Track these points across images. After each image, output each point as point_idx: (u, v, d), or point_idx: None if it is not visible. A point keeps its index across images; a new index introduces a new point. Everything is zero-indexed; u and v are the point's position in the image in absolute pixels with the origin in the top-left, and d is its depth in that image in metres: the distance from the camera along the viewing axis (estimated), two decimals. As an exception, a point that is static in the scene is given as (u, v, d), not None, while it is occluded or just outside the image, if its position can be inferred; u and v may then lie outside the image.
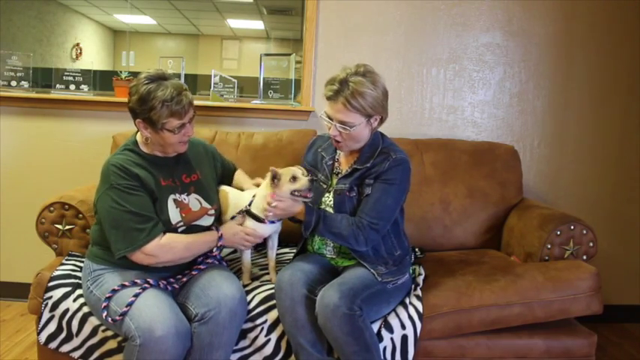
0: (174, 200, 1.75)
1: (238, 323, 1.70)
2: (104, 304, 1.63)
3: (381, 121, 1.82)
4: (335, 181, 1.88)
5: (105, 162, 1.71)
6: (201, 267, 1.78)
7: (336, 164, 1.92)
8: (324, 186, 1.89)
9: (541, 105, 2.80)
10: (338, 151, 1.92)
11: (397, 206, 1.80)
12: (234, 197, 1.93)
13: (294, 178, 1.76)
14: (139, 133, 1.78)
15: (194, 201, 1.80)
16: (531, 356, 1.87)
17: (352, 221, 1.75)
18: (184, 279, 1.76)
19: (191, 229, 1.78)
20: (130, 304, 1.59)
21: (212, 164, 1.98)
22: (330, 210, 1.85)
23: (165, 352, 1.53)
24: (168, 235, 1.68)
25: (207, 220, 1.83)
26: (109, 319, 1.61)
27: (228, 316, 1.64)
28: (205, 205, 1.83)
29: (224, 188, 1.98)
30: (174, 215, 1.73)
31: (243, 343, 1.76)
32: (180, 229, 1.75)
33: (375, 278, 1.76)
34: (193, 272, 1.77)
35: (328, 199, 1.87)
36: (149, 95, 1.63)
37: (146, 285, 1.65)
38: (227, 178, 2.08)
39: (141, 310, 1.57)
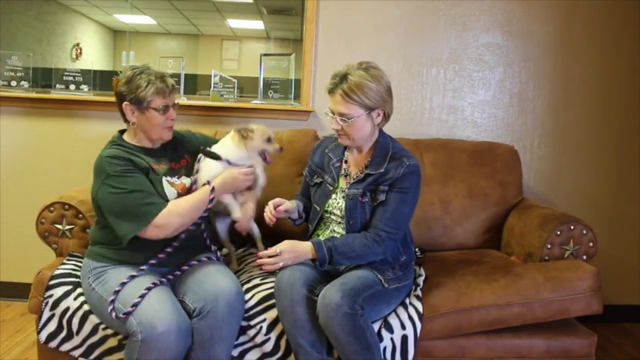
0: (168, 181, 1.80)
1: (237, 316, 1.70)
2: (112, 297, 1.64)
3: (385, 117, 1.81)
4: (342, 182, 1.89)
5: (96, 159, 1.75)
6: (203, 259, 1.82)
7: (344, 166, 1.91)
8: (331, 188, 1.89)
9: (541, 105, 2.80)
10: (346, 153, 1.92)
11: (412, 213, 1.82)
12: (205, 164, 1.92)
13: (269, 140, 1.89)
14: (125, 132, 1.86)
15: (186, 180, 1.87)
16: (531, 356, 1.87)
17: (367, 237, 1.75)
18: (178, 272, 1.78)
19: None
20: (135, 305, 1.59)
21: (193, 144, 1.98)
22: (339, 212, 1.85)
23: (166, 349, 1.53)
24: (169, 203, 1.73)
25: None
26: (113, 314, 1.61)
27: (227, 309, 1.65)
28: None
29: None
30: (170, 193, 1.78)
31: (242, 339, 1.77)
32: None
33: (378, 280, 1.76)
34: (192, 263, 1.80)
35: (336, 202, 1.87)
36: (135, 76, 1.75)
37: (151, 285, 1.66)
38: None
39: (143, 306, 1.58)
